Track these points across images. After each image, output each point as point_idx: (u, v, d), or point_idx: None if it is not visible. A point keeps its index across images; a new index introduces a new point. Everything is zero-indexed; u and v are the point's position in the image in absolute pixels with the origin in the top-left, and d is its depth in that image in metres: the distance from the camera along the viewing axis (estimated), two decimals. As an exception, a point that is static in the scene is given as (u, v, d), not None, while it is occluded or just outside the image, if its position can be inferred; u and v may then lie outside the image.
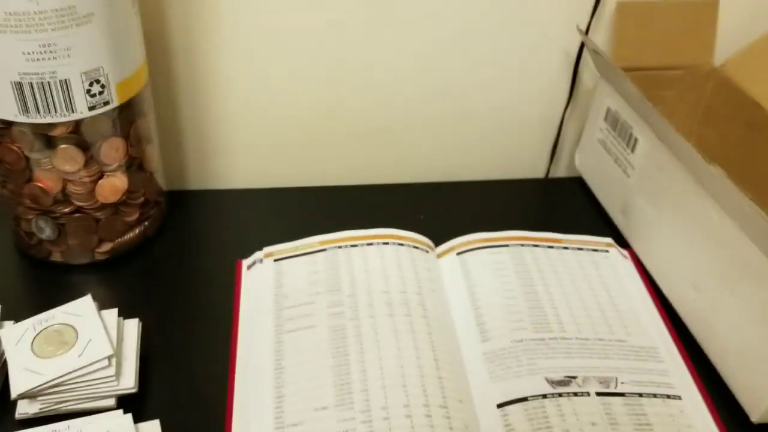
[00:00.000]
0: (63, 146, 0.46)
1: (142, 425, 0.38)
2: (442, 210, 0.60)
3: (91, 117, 0.45)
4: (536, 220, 0.59)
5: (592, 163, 0.62)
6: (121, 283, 0.51)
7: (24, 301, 0.49)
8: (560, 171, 0.68)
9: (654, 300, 0.51)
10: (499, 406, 0.42)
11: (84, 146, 0.46)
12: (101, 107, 0.45)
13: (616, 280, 0.51)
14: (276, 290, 0.49)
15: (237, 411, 0.42)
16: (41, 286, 0.51)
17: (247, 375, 0.44)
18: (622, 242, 0.56)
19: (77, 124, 0.45)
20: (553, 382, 0.42)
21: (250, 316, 0.48)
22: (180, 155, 0.62)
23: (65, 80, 0.43)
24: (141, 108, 0.49)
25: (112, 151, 0.48)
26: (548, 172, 0.67)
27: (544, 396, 0.42)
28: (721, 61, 0.60)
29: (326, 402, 0.41)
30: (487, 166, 0.66)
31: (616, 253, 0.54)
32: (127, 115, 0.48)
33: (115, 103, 0.46)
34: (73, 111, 0.44)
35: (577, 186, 0.64)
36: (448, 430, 0.39)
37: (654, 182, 0.53)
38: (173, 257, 0.54)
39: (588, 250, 0.53)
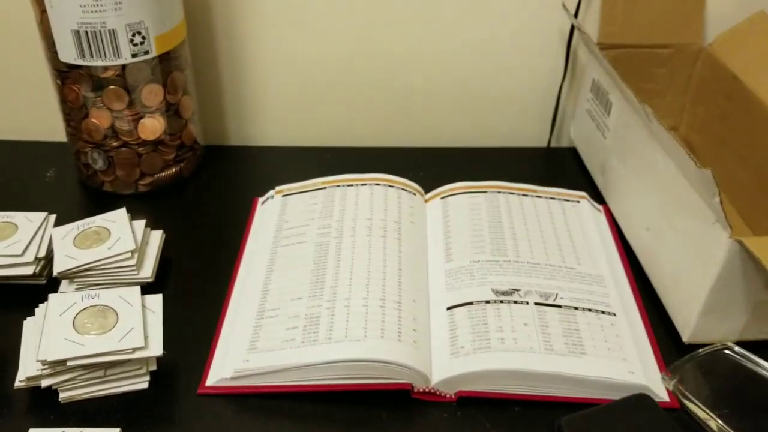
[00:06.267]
0: (112, 87, 0.56)
1: (147, 296, 0.47)
2: (444, 171, 0.67)
3: (133, 63, 0.55)
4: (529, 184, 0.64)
5: (583, 132, 0.68)
6: (158, 211, 0.61)
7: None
8: (563, 142, 0.74)
9: (618, 246, 0.56)
10: (449, 308, 0.48)
11: (128, 89, 0.57)
12: (142, 55, 0.55)
13: (580, 223, 0.56)
14: (279, 217, 0.57)
15: (233, 301, 0.51)
16: (95, 210, 0.61)
17: (245, 277, 0.52)
18: (601, 201, 0.62)
19: (122, 69, 0.55)
20: (497, 292, 0.48)
21: (256, 237, 0.56)
22: (220, 116, 0.72)
23: (113, 30, 0.53)
24: (178, 62, 0.59)
25: (151, 95, 0.58)
26: (549, 142, 0.73)
27: (487, 301, 0.48)
28: (709, 42, 0.65)
29: (301, 294, 0.48)
30: (495, 135, 0.73)
31: (587, 204, 0.59)
32: (165, 66, 0.58)
33: (153, 53, 0.56)
34: (119, 56, 0.54)
35: (572, 156, 0.70)
36: (397, 319, 0.46)
37: (622, 140, 0.58)
38: (204, 195, 0.64)
39: (560, 200, 0.59)
